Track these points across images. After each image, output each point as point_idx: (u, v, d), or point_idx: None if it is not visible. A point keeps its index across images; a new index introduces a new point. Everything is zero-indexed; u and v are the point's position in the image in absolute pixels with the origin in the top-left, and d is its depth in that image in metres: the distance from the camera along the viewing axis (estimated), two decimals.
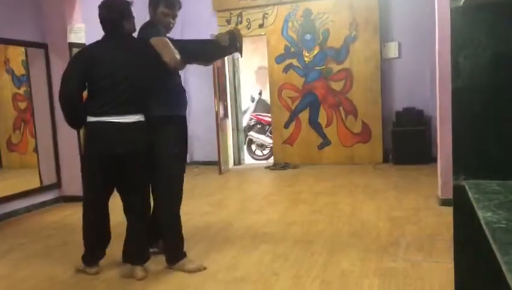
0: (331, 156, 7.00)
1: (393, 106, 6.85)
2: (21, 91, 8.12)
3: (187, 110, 3.23)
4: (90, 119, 2.88)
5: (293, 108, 7.14)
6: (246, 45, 8.13)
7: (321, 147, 7.06)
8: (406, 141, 6.53)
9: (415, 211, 4.13)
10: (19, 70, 7.64)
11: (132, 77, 2.89)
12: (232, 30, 3.05)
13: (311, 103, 7.05)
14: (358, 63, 6.78)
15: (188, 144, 3.25)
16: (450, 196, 1.50)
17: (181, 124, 3.10)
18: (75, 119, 3.00)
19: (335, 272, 2.87)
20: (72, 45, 5.24)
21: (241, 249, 3.39)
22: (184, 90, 3.22)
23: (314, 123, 7.06)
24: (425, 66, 6.61)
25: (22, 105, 8.13)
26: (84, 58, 2.96)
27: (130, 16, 2.95)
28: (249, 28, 7.23)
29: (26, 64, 5.51)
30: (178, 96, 3.09)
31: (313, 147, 7.08)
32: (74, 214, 4.79)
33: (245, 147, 8.18)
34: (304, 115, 7.09)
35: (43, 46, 5.22)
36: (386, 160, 6.77)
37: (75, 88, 2.89)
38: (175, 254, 3.07)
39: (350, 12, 6.75)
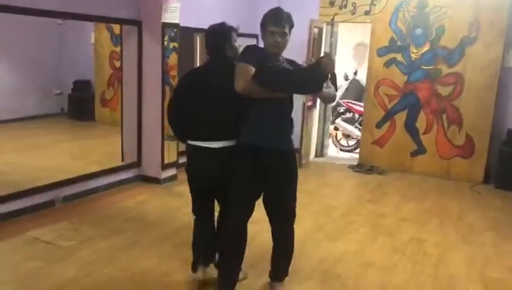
0: (424, 166, 6.38)
1: (506, 122, 6.04)
2: (118, 49, 8.26)
3: None
4: (188, 142, 2.95)
5: (389, 107, 6.54)
6: (347, 25, 7.53)
7: (414, 154, 6.44)
8: None
9: None
10: (118, 29, 7.72)
11: (223, 104, 2.82)
12: (319, 58, 2.67)
13: (411, 105, 6.40)
14: (473, 69, 5.97)
15: (275, 185, 2.89)
16: None
17: (261, 156, 2.77)
18: (181, 138, 3.10)
19: None
20: (165, 25, 5.06)
21: None
22: (282, 120, 2.84)
23: (410, 127, 6.43)
24: None
25: (117, 63, 8.27)
26: (184, 83, 3.00)
27: (232, 42, 2.87)
28: (353, 14, 6.61)
29: (120, 38, 5.43)
30: (262, 125, 2.77)
31: (404, 153, 6.49)
32: (150, 201, 4.80)
33: (328, 134, 7.75)
34: (401, 117, 6.48)
35: (137, 23, 5.09)
36: (486, 181, 6.04)
37: (175, 112, 2.98)
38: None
39: (473, 9, 5.89)
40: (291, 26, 2.73)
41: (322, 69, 2.61)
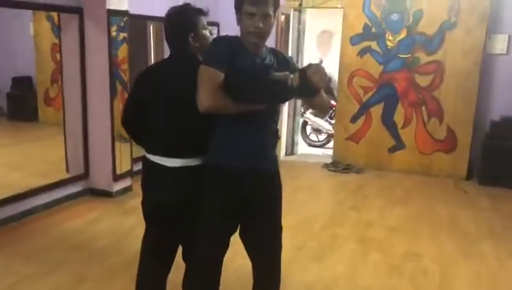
0: (404, 162, 5.92)
1: (488, 113, 5.64)
2: None
3: None
4: (144, 154, 2.32)
5: (364, 100, 6.03)
6: (311, 12, 6.99)
7: (393, 150, 5.98)
8: (500, 158, 5.37)
9: None
10: None
11: (184, 111, 2.14)
12: (305, 68, 1.97)
13: (388, 97, 5.91)
14: (454, 56, 5.53)
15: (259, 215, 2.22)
16: None
17: (237, 182, 2.13)
18: (138, 144, 2.48)
19: None
20: (111, 12, 4.31)
21: None
22: (263, 131, 2.16)
23: (388, 121, 5.95)
24: None
25: None
26: (140, 81, 2.32)
27: (199, 30, 2.19)
28: None
29: (58, 29, 4.62)
30: (237, 139, 2.11)
31: (382, 149, 6.01)
32: (100, 220, 4.08)
33: (299, 129, 7.21)
34: (377, 110, 5.98)
35: (78, 10, 4.31)
36: (469, 177, 5.65)
37: (130, 116, 2.36)
38: None
39: None
40: (277, 5, 2.06)
41: (308, 83, 1.93)
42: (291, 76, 1.95)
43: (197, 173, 2.19)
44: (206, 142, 2.16)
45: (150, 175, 2.32)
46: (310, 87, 1.93)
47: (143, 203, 2.38)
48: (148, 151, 2.30)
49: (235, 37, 2.11)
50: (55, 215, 4.16)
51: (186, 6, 2.22)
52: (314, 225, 4.14)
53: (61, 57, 4.61)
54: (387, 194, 5.10)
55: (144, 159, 2.34)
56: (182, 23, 2.17)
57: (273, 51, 2.21)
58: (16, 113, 7.94)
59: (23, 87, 7.96)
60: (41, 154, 5.84)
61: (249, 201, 2.16)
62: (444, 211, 4.63)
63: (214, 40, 2.13)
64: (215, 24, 5.84)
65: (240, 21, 2.06)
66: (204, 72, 1.96)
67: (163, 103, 2.18)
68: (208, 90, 1.92)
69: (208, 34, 2.23)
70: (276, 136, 2.26)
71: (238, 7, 2.04)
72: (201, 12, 2.21)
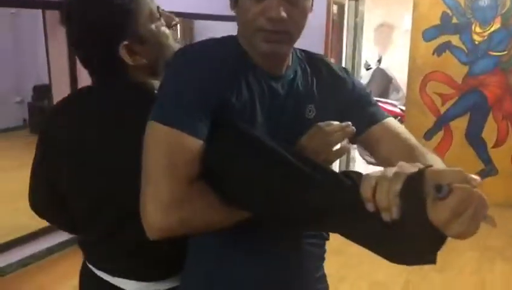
0: (496, 192, 4.54)
1: None
2: None
3: None
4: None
5: (442, 111, 4.73)
6: (368, 2, 5.75)
7: (481, 176, 4.58)
8: None
9: None
10: None
11: (122, 190, 1.01)
12: (422, 196, 0.68)
13: (475, 107, 4.58)
14: None
15: None
16: None
17: None
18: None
19: None
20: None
21: None
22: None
23: (474, 138, 4.62)
24: None
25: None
26: (43, 144, 1.18)
27: (140, 25, 1.02)
28: None
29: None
30: (245, 268, 0.96)
31: None
32: None
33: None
34: (460, 124, 4.66)
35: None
36: None
37: (42, 201, 1.25)
38: None
39: None
40: None
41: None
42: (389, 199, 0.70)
43: None
44: (178, 253, 1.05)
45: None
46: (432, 239, 0.70)
47: None
48: (89, 260, 1.21)
49: (230, 41, 0.95)
50: (31, 277, 3.16)
51: None
52: None
53: (48, 64, 3.67)
54: (480, 241, 3.77)
55: (82, 266, 1.25)
56: (98, 22, 1.00)
57: (307, 60, 1.04)
58: (37, 126, 7.26)
59: (43, 96, 7.26)
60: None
61: None
62: None
63: (185, 52, 0.93)
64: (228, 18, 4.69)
65: (235, 5, 0.91)
66: (157, 143, 0.82)
67: (83, 188, 1.10)
68: (161, 194, 0.79)
69: (165, 29, 1.07)
70: (324, 240, 1.09)
71: None
72: None
